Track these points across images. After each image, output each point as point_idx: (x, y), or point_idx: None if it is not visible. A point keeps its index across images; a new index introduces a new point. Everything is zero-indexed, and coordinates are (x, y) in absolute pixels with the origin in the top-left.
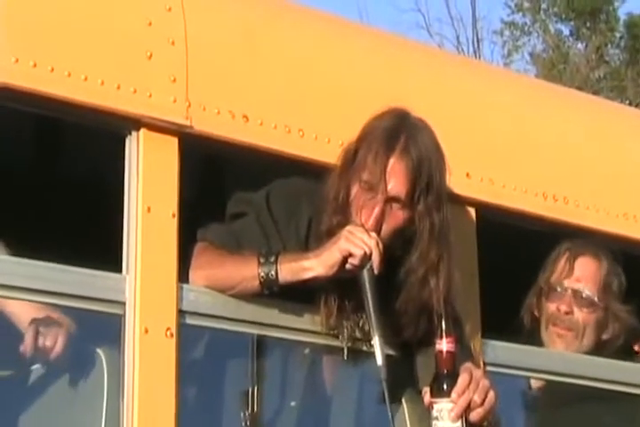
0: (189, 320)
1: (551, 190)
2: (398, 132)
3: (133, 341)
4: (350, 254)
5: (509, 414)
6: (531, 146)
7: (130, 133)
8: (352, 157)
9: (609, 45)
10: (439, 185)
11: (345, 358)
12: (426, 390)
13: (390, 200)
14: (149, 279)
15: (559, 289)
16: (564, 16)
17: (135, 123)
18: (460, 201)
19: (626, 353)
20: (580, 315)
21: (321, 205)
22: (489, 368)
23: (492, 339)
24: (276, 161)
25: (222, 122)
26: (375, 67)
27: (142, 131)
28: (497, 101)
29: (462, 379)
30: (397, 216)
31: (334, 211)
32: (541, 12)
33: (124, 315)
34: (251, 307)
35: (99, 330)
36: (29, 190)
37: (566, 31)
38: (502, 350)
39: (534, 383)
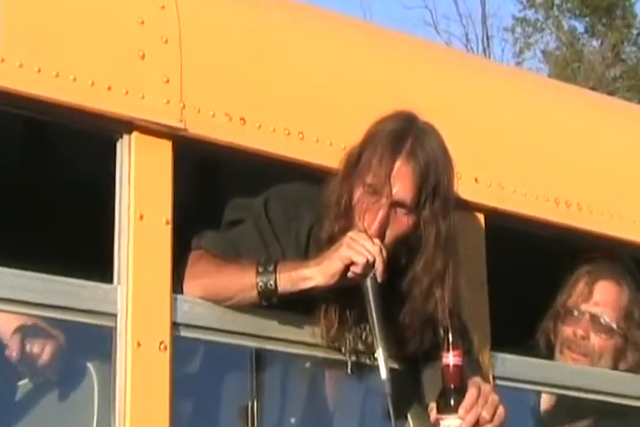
0: (184, 333)
1: (564, 196)
2: (405, 134)
3: (125, 354)
4: (352, 262)
5: None
6: (542, 149)
7: (121, 137)
8: (356, 159)
9: (625, 43)
10: (446, 190)
11: (348, 371)
12: (432, 406)
13: (395, 205)
14: (142, 290)
15: (576, 313)
16: (578, 12)
17: (127, 126)
18: (468, 207)
19: None
20: (596, 341)
21: (322, 210)
22: (498, 382)
23: (501, 351)
24: (274, 165)
25: (218, 124)
26: (380, 66)
27: (134, 134)
28: (507, 103)
29: (470, 394)
30: (402, 222)
31: (336, 216)
32: (554, 7)
33: (116, 327)
34: (249, 318)
35: (89, 343)
36: (15, 197)
37: (581, 28)
38: (512, 363)
39: (545, 398)
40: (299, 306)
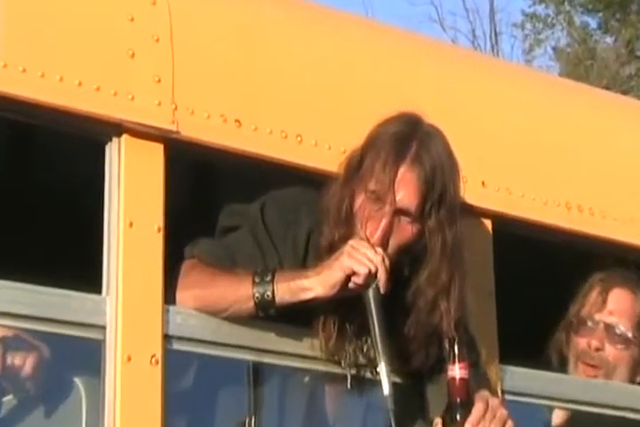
0: (177, 346)
1: (575, 200)
2: (410, 138)
3: (114, 369)
4: (354, 273)
5: None
6: (553, 152)
7: (110, 140)
8: (357, 164)
9: None
10: (453, 197)
11: (348, 386)
12: (437, 422)
13: (399, 213)
14: (132, 301)
15: (590, 323)
16: (590, 7)
17: (116, 128)
18: (474, 212)
19: None
20: (611, 352)
21: (321, 216)
22: (507, 396)
23: (510, 364)
24: (271, 170)
25: (212, 126)
26: (382, 66)
27: (124, 137)
28: (516, 103)
29: (477, 408)
30: (406, 230)
31: (336, 223)
32: (566, 2)
33: (105, 340)
34: (245, 331)
35: (76, 357)
36: None
37: (593, 23)
38: (522, 377)
39: (557, 413)
40: (297, 317)
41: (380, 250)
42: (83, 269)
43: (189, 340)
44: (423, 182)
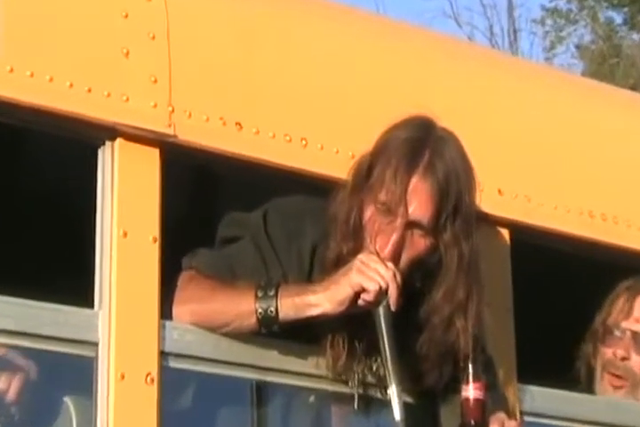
0: (173, 363)
1: (598, 209)
2: (422, 145)
3: (107, 388)
4: (363, 289)
5: None
6: (575, 157)
7: (103, 144)
8: (366, 172)
9: None
10: (468, 207)
11: (356, 406)
12: None
13: (411, 225)
14: (126, 315)
15: (616, 332)
16: (615, 1)
17: (109, 132)
18: (490, 222)
19: None
20: (638, 361)
21: (328, 228)
22: (526, 418)
23: (529, 384)
24: (274, 176)
25: (211, 130)
26: (392, 65)
27: (118, 141)
28: (535, 105)
29: None
30: (419, 244)
31: (344, 236)
32: None
33: (97, 357)
34: (247, 348)
35: (66, 375)
36: None
37: (619, 19)
38: (541, 397)
39: None
40: (302, 334)
41: (391, 265)
42: (74, 281)
43: (187, 357)
44: (437, 192)
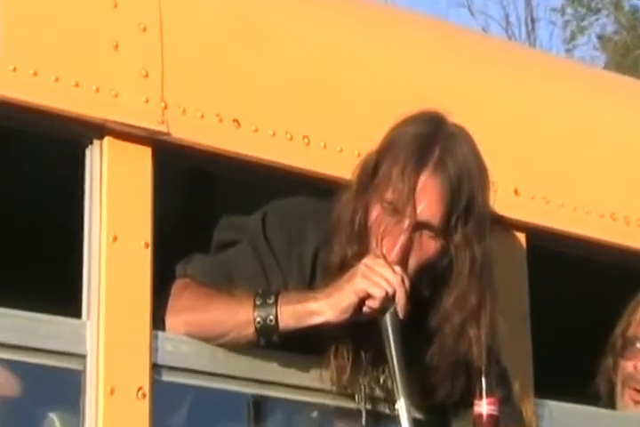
0: (167, 377)
1: (621, 211)
2: (432, 142)
3: (96, 403)
4: (369, 295)
5: None
6: (596, 155)
7: (91, 143)
8: (372, 171)
9: None
10: (481, 207)
11: (363, 422)
12: None
13: (420, 226)
14: (116, 326)
15: (638, 344)
16: None
17: (98, 129)
18: (506, 224)
19: None
20: None
21: (331, 230)
22: None
23: (547, 398)
24: (274, 176)
25: (207, 127)
26: (400, 57)
27: (107, 139)
28: (554, 100)
29: None
30: (429, 247)
31: (349, 238)
32: None
33: (85, 371)
34: (244, 360)
35: (52, 390)
36: None
37: None
38: (560, 412)
39: None
40: (304, 345)
41: (398, 269)
42: (60, 289)
43: (181, 370)
44: (448, 191)
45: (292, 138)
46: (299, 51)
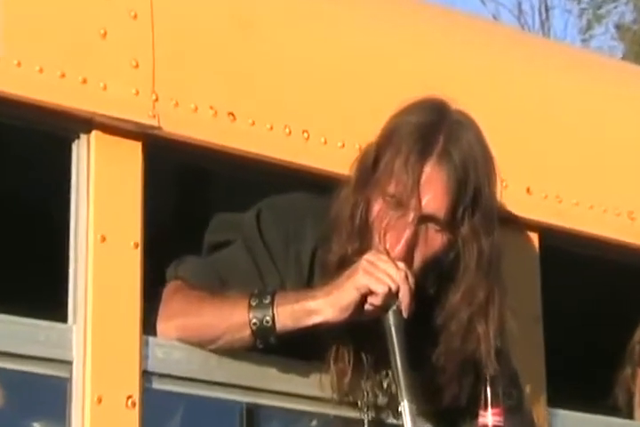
0: (157, 385)
1: (639, 209)
2: (436, 130)
3: (83, 413)
4: (371, 292)
5: None
6: (612, 152)
7: (78, 137)
8: (373, 164)
9: None
10: (488, 198)
11: None
12: None
13: (425, 220)
14: (104, 331)
15: None
16: None
17: (85, 123)
18: (518, 224)
19: None
20: None
21: (330, 227)
22: None
23: (560, 407)
24: (272, 173)
25: (201, 121)
26: (406, 47)
27: (94, 134)
28: (568, 92)
29: None
30: (434, 241)
31: (349, 235)
32: None
33: (71, 378)
34: (239, 366)
35: (36, 398)
36: None
37: None
38: (574, 422)
39: None
40: (303, 348)
41: (402, 265)
42: (45, 292)
43: (173, 377)
44: (453, 182)
45: (290, 132)
46: (298, 40)
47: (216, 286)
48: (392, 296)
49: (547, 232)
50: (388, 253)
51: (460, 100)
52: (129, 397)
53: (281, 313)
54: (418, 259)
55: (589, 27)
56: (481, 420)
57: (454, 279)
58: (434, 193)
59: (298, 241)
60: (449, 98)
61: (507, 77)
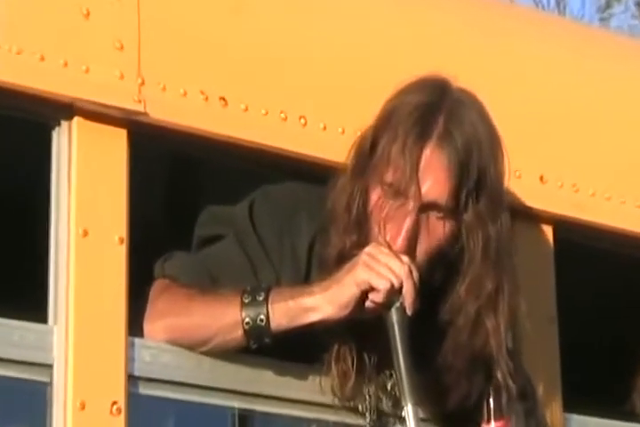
0: (144, 390)
1: None
2: (435, 110)
3: (64, 419)
4: (372, 288)
5: None
6: (632, 138)
7: (58, 124)
8: (370, 149)
9: None
10: (494, 183)
11: None
12: None
13: (426, 208)
14: (87, 332)
15: None
16: None
17: (66, 109)
18: (531, 216)
19: None
20: None
21: (328, 219)
22: None
23: (577, 412)
24: (266, 161)
25: (190, 106)
26: (409, 27)
27: (76, 120)
28: (586, 75)
29: None
30: (437, 230)
31: (347, 227)
32: None
33: (51, 383)
34: (232, 369)
35: (14, 405)
36: None
37: None
38: None
39: None
40: (300, 349)
41: (405, 258)
42: (23, 290)
43: (160, 382)
44: (455, 165)
45: (286, 118)
46: (294, 20)
47: (207, 284)
48: (395, 292)
49: (562, 224)
50: (389, 246)
51: (470, 84)
52: (114, 403)
53: (276, 311)
54: (421, 251)
55: (608, 5)
56: None
57: (460, 270)
58: (434, 179)
59: (294, 234)
60: (451, 76)
61: (520, 60)
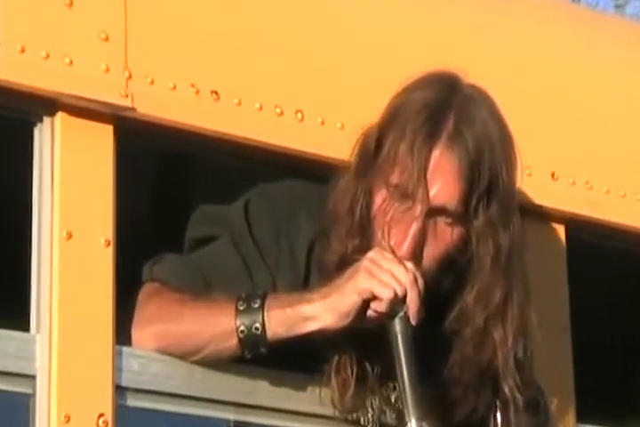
0: (133, 401)
1: None
2: (445, 108)
3: None
4: (374, 297)
5: None
6: None
7: (41, 120)
8: (375, 148)
9: None
10: (506, 186)
11: None
12: None
13: (434, 212)
14: (72, 341)
15: None
16: None
17: (49, 104)
18: (542, 214)
19: None
20: None
21: (329, 220)
22: None
23: (591, 423)
24: (261, 158)
25: (180, 101)
26: (415, 15)
27: (59, 116)
28: (600, 66)
29: None
30: (445, 236)
31: (348, 231)
32: None
33: (34, 395)
34: (225, 379)
35: None
36: None
37: None
38: None
39: None
40: (297, 359)
41: (410, 265)
42: (4, 297)
43: (150, 393)
44: (465, 167)
45: (282, 113)
46: (290, 10)
47: (199, 288)
48: (398, 302)
49: (574, 223)
50: (393, 252)
51: (477, 77)
52: (100, 415)
53: (272, 319)
54: (427, 258)
55: None
56: None
57: (468, 279)
58: (443, 181)
59: (292, 235)
60: (461, 71)
61: (530, 51)
